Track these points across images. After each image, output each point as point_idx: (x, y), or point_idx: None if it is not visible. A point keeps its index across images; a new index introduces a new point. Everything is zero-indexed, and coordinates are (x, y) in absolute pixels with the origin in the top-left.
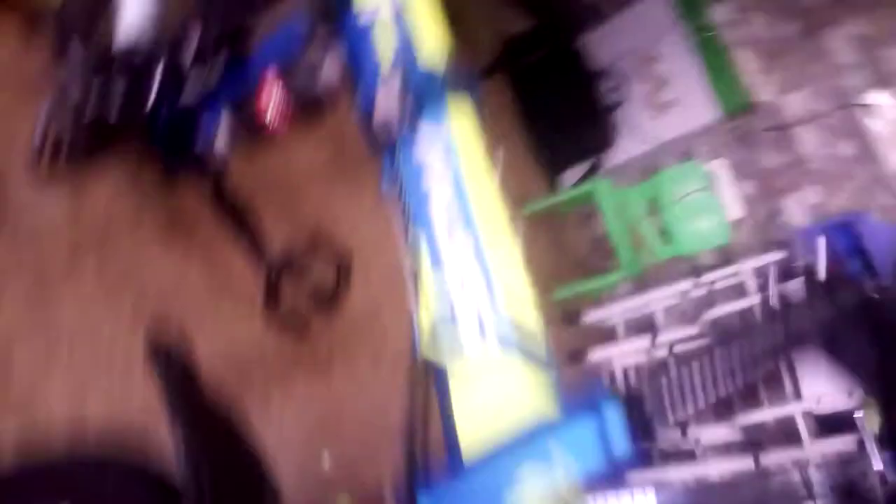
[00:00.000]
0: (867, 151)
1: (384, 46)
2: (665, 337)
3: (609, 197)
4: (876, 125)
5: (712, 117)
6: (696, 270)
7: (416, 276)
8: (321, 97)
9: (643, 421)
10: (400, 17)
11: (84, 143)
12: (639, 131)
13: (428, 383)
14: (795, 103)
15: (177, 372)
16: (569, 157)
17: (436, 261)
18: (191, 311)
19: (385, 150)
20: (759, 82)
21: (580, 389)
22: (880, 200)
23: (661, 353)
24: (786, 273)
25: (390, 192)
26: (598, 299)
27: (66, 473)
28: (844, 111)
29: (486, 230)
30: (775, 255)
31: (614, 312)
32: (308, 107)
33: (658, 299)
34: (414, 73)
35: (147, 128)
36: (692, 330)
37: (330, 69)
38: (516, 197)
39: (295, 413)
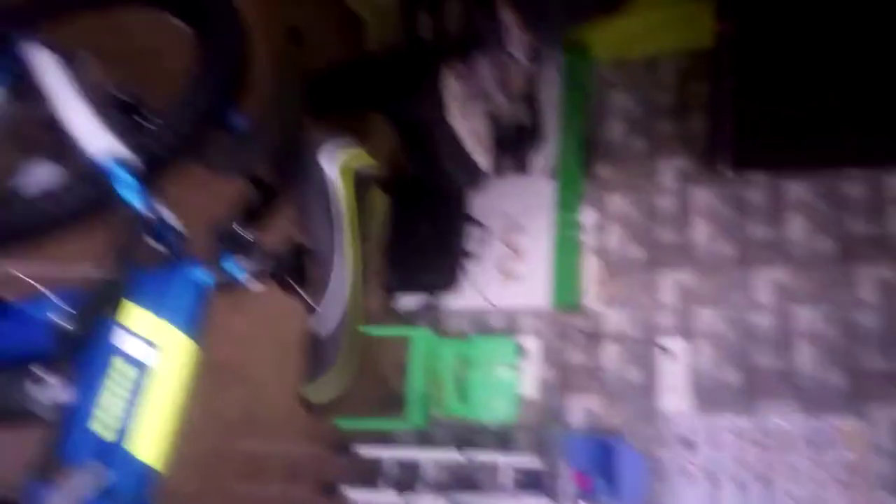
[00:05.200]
0: (650, 385)
1: None
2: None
3: (422, 346)
4: (665, 367)
5: (544, 303)
6: (465, 441)
7: None
8: None
9: None
10: None
11: None
12: (480, 287)
13: None
14: (613, 319)
15: None
16: (411, 282)
17: None
18: None
19: None
20: (593, 289)
21: None
22: (642, 431)
23: None
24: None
25: None
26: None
27: None
28: (647, 344)
29: None
30: (534, 462)
31: (384, 455)
32: None
33: (427, 459)
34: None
35: None
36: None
37: None
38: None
39: None
